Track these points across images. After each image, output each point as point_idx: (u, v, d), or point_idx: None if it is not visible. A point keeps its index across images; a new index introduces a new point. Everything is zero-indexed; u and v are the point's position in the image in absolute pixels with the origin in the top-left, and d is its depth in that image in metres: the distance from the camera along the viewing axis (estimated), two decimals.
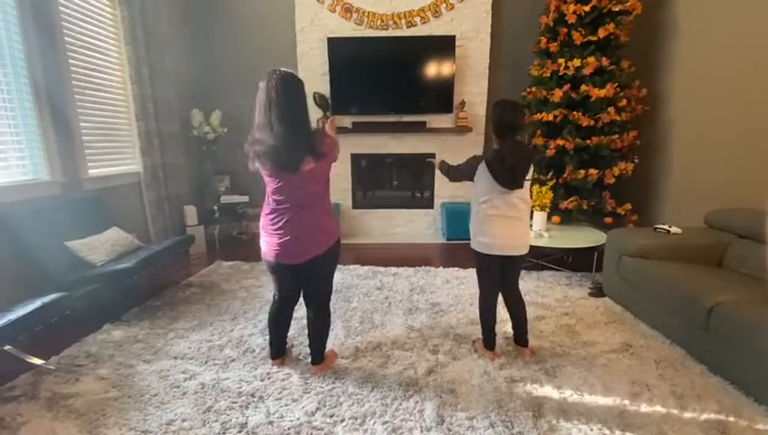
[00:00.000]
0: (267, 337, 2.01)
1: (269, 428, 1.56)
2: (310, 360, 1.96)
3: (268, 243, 1.74)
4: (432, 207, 4.60)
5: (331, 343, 2.18)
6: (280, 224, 1.69)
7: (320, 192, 1.73)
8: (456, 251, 3.96)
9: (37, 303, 1.82)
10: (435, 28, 4.14)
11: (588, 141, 3.34)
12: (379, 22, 4.15)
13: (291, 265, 1.74)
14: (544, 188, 3.08)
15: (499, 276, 1.96)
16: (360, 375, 1.89)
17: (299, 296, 1.93)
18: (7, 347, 1.82)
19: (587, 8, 3.24)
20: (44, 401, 1.71)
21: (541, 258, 3.44)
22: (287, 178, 1.63)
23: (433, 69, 4.12)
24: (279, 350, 1.99)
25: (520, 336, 2.06)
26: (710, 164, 3.00)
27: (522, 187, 1.83)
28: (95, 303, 2.45)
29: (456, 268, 3.32)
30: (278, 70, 1.61)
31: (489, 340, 2.03)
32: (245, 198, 4.36)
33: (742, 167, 2.72)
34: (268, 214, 1.73)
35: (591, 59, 3.26)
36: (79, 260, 2.40)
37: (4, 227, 2.21)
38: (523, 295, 2.03)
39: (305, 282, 1.86)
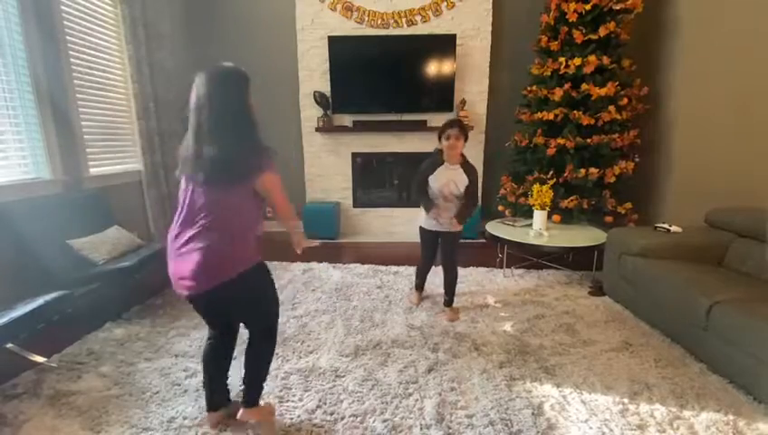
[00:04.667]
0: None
1: None
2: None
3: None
4: None
5: (332, 342, 2.19)
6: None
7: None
8: None
9: (39, 301, 1.82)
10: (435, 27, 4.13)
11: (588, 140, 3.34)
12: (379, 20, 4.14)
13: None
14: (545, 187, 3.08)
15: (436, 246, 2.53)
16: (360, 373, 1.90)
17: (234, 330, 1.61)
18: (9, 345, 1.83)
19: (588, 6, 3.24)
20: (47, 398, 1.72)
21: (541, 257, 3.44)
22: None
23: (434, 67, 4.11)
24: (214, 400, 1.56)
25: (446, 298, 2.56)
26: (711, 163, 3.00)
27: None
28: (97, 301, 2.46)
29: None
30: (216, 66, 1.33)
31: (416, 286, 2.74)
32: None
33: (742, 165, 2.72)
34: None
35: (592, 57, 3.25)
36: (80, 259, 2.40)
37: (6, 226, 2.22)
38: (458, 270, 2.56)
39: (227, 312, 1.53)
